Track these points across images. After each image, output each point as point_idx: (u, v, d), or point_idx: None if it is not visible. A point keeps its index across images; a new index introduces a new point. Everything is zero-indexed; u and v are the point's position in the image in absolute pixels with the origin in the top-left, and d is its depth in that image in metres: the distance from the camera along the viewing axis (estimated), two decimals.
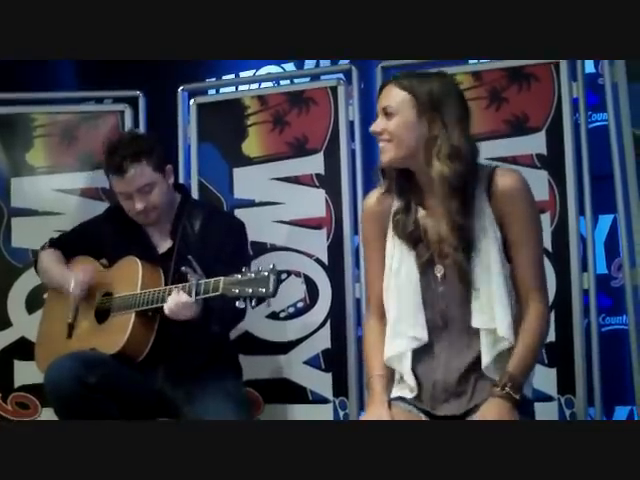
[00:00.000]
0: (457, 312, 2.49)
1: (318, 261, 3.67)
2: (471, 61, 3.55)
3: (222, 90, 4.28)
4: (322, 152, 3.70)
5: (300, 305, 3.68)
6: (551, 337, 3.19)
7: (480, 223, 2.46)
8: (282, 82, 4.15)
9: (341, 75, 3.81)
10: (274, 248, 3.72)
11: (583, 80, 3.39)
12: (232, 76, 4.39)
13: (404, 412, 2.50)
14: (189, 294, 2.99)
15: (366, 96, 3.65)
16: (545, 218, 3.25)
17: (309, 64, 4.30)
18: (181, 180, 3.77)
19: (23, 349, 3.75)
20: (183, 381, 3.18)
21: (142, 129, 3.89)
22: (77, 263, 3.42)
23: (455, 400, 2.48)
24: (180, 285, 3.04)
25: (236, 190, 3.81)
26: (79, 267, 3.34)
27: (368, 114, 3.25)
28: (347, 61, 3.81)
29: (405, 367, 2.51)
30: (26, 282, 3.83)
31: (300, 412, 3.61)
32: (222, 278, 2.92)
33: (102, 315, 3.28)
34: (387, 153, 2.49)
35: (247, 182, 3.80)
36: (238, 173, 3.81)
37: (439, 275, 2.51)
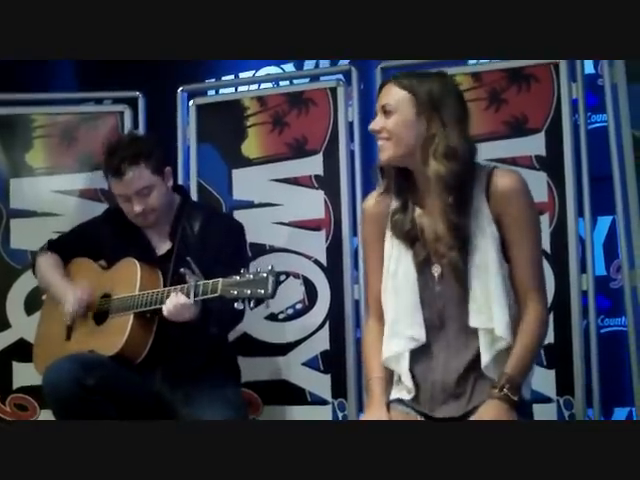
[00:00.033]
0: (454, 311, 2.48)
1: (317, 262, 3.67)
2: (470, 62, 3.56)
3: (221, 91, 4.28)
4: (321, 153, 3.70)
5: (299, 306, 3.67)
6: (550, 338, 3.20)
7: (478, 223, 2.45)
8: (281, 83, 4.14)
9: (340, 76, 3.81)
10: (273, 249, 3.71)
11: (582, 81, 3.39)
12: (231, 77, 4.38)
13: (402, 415, 2.49)
14: (187, 295, 2.99)
15: (365, 97, 3.65)
16: (544, 219, 3.25)
17: (308, 65, 4.30)
18: (180, 181, 3.77)
19: (22, 350, 3.75)
20: (181, 383, 3.18)
21: (141, 130, 3.89)
22: (75, 265, 3.43)
23: (454, 402, 2.47)
24: (178, 286, 3.04)
25: (235, 191, 3.81)
26: (77, 285, 3.32)
27: (367, 115, 3.24)
28: (347, 62, 3.81)
29: (403, 368, 2.51)
30: (25, 283, 3.83)
31: (299, 413, 3.61)
32: (220, 279, 2.92)
33: (101, 317, 3.28)
34: (386, 151, 2.49)
35: (246, 183, 3.80)
36: (237, 174, 3.81)
37: (436, 274, 2.50)
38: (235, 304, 2.88)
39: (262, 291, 2.83)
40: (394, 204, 2.55)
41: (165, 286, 3.16)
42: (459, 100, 2.51)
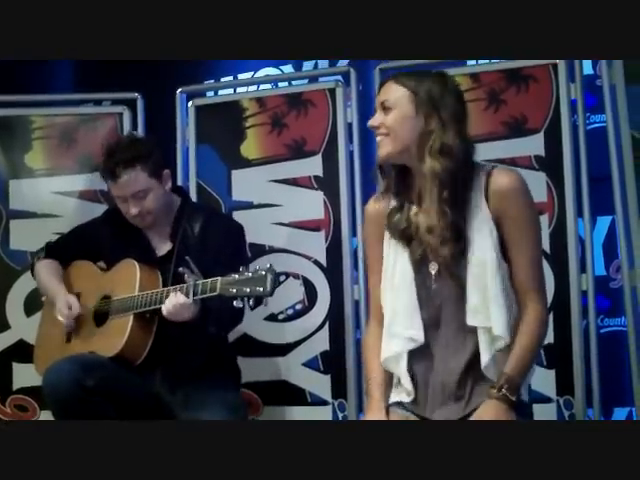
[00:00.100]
0: (451, 310, 2.47)
1: (316, 263, 3.67)
2: (469, 63, 3.56)
3: (220, 92, 4.28)
4: (320, 154, 3.70)
5: (299, 307, 3.67)
6: (550, 338, 3.20)
7: (476, 221, 2.44)
8: (280, 84, 4.14)
9: (339, 77, 3.81)
10: (272, 250, 3.71)
11: (581, 82, 3.40)
12: (230, 78, 4.38)
13: (402, 418, 2.48)
14: (187, 295, 2.99)
15: (364, 98, 3.65)
16: (543, 220, 3.25)
17: (307, 66, 4.30)
18: (179, 182, 3.78)
19: (22, 352, 3.75)
20: (181, 383, 3.18)
21: (140, 131, 3.89)
22: (75, 268, 3.43)
23: (453, 404, 2.46)
24: (178, 286, 3.04)
25: (234, 192, 3.81)
26: (69, 298, 3.31)
27: (366, 116, 3.23)
28: (345, 63, 3.81)
29: (402, 369, 2.50)
30: (24, 284, 3.82)
31: (299, 414, 3.61)
32: (219, 278, 2.91)
33: (101, 318, 3.28)
34: (384, 147, 2.49)
35: (245, 184, 3.80)
36: (236, 175, 3.81)
37: (433, 272, 2.49)
38: (234, 302, 2.88)
39: (261, 289, 2.83)
40: (392, 204, 2.55)
41: (165, 287, 3.16)
42: (458, 100, 2.50)
